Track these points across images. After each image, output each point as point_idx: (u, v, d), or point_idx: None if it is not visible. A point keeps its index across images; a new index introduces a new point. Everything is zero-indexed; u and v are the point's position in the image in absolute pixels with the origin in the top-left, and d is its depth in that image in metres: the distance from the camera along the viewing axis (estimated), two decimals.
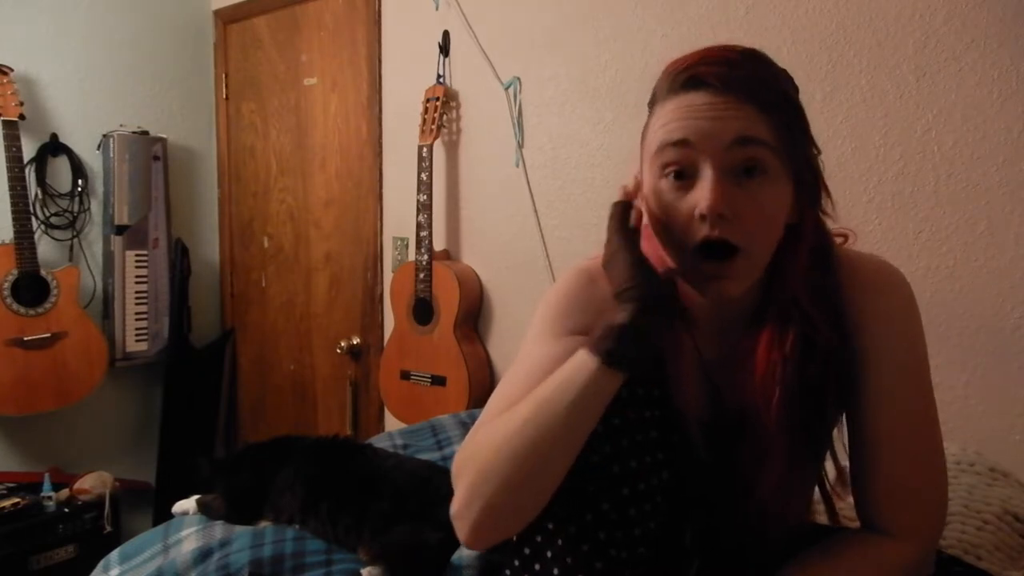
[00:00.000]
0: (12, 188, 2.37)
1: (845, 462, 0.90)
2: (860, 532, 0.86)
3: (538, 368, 0.80)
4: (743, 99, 0.73)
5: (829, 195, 0.83)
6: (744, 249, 0.74)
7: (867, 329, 0.83)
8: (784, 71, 0.81)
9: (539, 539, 0.81)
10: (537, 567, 0.81)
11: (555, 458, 0.73)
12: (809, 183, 0.79)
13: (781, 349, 0.78)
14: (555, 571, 0.79)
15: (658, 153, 0.77)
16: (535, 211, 2.15)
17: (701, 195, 0.73)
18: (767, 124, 0.74)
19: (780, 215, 0.77)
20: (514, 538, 0.83)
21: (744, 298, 0.81)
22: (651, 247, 0.81)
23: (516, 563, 0.83)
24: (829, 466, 0.92)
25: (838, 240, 0.87)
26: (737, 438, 0.82)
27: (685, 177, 0.75)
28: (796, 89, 0.82)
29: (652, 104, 0.81)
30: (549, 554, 0.80)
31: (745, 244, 0.74)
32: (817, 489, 0.93)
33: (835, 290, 0.83)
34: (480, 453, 0.75)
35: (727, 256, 0.74)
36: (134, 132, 2.76)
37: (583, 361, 0.73)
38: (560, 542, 0.79)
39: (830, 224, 0.86)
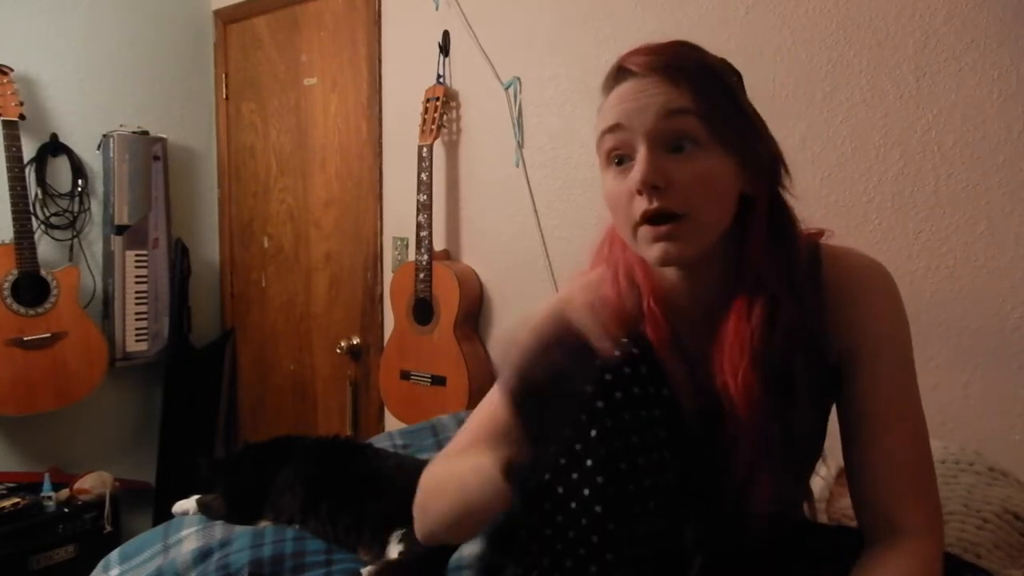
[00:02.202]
0: (12, 188, 2.36)
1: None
2: (883, 543, 0.81)
3: (494, 412, 0.92)
4: (665, 78, 0.77)
5: (787, 170, 0.85)
6: (686, 214, 0.77)
7: (856, 325, 0.84)
8: (720, 59, 0.84)
9: (549, 532, 0.82)
10: (546, 562, 0.81)
11: (461, 530, 0.88)
12: (752, 156, 0.81)
13: (749, 321, 0.80)
14: (568, 564, 0.80)
15: (600, 143, 0.82)
16: (535, 211, 2.15)
17: (636, 171, 0.77)
18: (691, 97, 0.77)
19: (719, 183, 0.79)
20: (524, 533, 0.84)
21: (718, 280, 0.84)
22: (619, 248, 0.89)
23: (526, 559, 0.83)
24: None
25: (817, 235, 0.88)
26: (719, 420, 0.83)
27: (625, 161, 0.80)
28: (734, 73, 0.84)
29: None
30: (559, 547, 0.81)
31: (685, 209, 0.77)
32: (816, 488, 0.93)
33: (819, 284, 0.84)
34: (421, 494, 0.91)
35: (670, 220, 0.77)
36: (134, 132, 2.76)
37: (493, 478, 0.79)
38: (571, 534, 0.80)
39: (802, 218, 0.87)
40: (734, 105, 0.81)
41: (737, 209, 0.82)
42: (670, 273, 0.85)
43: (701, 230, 0.79)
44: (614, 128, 0.79)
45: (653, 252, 0.79)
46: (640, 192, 0.77)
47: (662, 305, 0.87)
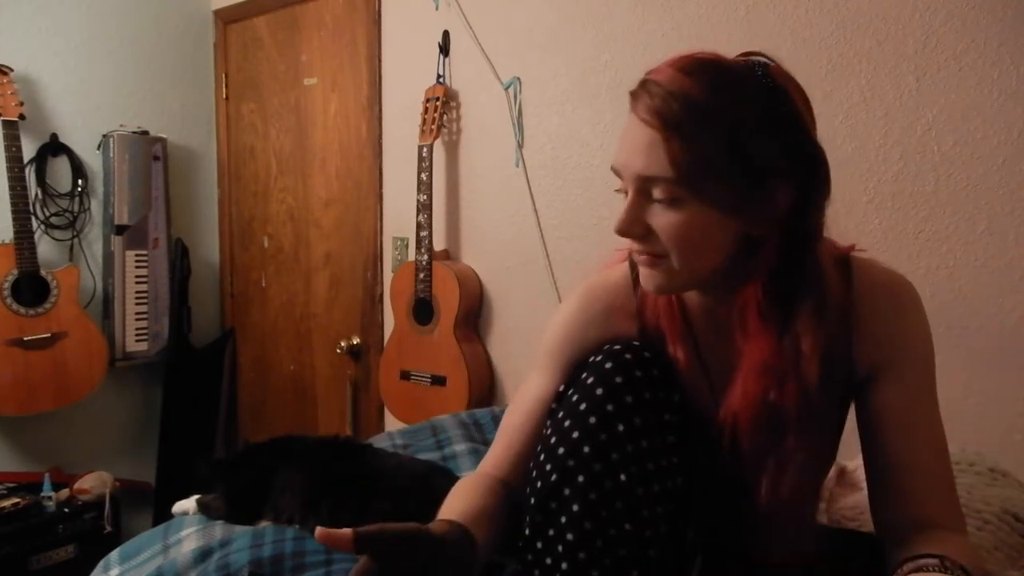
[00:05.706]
0: (12, 188, 2.36)
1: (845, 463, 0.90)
2: (920, 535, 0.80)
3: (526, 403, 0.93)
4: (659, 130, 0.74)
5: (817, 200, 0.79)
6: (668, 255, 0.78)
7: (890, 338, 0.84)
8: (738, 83, 0.76)
9: (551, 532, 0.81)
10: (548, 561, 0.81)
11: None
12: (753, 203, 0.75)
13: (775, 352, 0.79)
14: (563, 566, 0.79)
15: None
16: (535, 211, 2.15)
17: (618, 217, 0.78)
18: (676, 157, 0.72)
19: (699, 233, 0.76)
20: (526, 531, 0.84)
21: (734, 300, 0.83)
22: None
23: (528, 557, 0.83)
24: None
25: (847, 250, 0.87)
26: (739, 439, 0.83)
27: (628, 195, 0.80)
28: (758, 99, 0.76)
29: None
30: (560, 548, 0.80)
31: (666, 253, 0.78)
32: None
33: (851, 298, 0.84)
34: None
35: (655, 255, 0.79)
36: (134, 132, 2.76)
37: None
38: (570, 537, 0.80)
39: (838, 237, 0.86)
40: (733, 157, 0.73)
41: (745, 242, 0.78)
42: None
43: (683, 271, 0.78)
44: (614, 169, 0.80)
45: (643, 279, 0.82)
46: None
47: (682, 319, 0.87)
